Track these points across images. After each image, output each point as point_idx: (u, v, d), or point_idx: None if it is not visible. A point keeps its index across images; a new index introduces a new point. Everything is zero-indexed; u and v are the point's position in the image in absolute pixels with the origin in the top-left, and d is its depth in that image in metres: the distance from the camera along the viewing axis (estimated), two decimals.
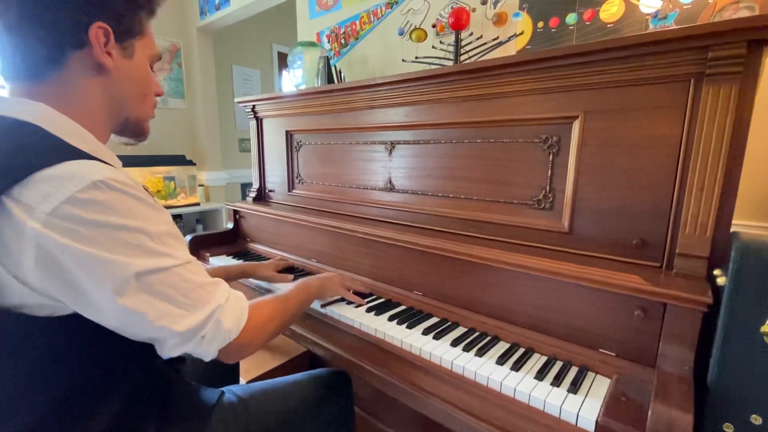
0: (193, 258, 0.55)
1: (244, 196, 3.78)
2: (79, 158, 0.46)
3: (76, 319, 0.47)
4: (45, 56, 0.51)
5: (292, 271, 1.22)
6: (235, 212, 1.57)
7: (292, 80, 1.81)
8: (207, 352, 0.54)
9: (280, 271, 1.17)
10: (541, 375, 0.67)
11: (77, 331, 0.48)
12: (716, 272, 0.64)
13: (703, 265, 0.66)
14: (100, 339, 0.49)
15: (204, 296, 0.53)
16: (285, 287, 1.10)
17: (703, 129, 0.65)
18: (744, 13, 0.82)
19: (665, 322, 0.62)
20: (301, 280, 0.90)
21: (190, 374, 0.88)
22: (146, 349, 0.54)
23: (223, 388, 0.79)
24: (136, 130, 0.64)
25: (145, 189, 0.53)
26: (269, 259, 1.37)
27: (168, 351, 0.52)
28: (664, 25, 0.90)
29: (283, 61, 3.92)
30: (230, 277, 1.07)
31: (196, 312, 0.51)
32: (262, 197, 1.60)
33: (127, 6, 0.55)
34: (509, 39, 1.20)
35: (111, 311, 0.46)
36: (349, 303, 0.97)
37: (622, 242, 0.75)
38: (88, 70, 0.53)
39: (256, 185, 1.61)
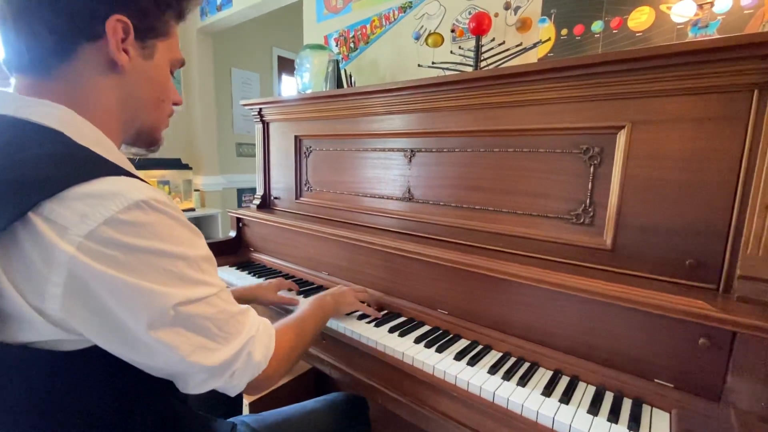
0: (224, 284, 0.49)
1: (240, 203, 3.66)
2: (116, 173, 0.40)
3: (89, 354, 0.41)
4: (53, 45, 0.44)
5: (300, 285, 1.15)
6: (239, 220, 1.48)
7: (298, 84, 1.75)
8: (236, 387, 0.50)
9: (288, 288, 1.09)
10: (594, 409, 0.61)
11: (90, 367, 0.42)
12: None
13: None
14: (113, 374, 0.44)
15: (237, 327, 0.48)
16: (301, 302, 1.03)
17: None
18: None
19: (735, 352, 0.57)
20: (314, 298, 0.82)
21: (194, 403, 0.80)
22: (158, 384, 0.48)
23: (235, 419, 0.72)
24: (148, 140, 0.58)
25: None
26: (277, 270, 1.29)
27: (193, 388, 0.46)
28: (705, 34, 0.86)
29: (283, 65, 3.86)
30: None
31: (228, 345, 0.47)
32: (266, 204, 1.53)
33: (154, 3, 0.49)
34: (534, 45, 1.15)
35: (141, 345, 0.41)
36: (362, 317, 0.90)
37: (673, 262, 0.70)
38: (99, 66, 0.47)
39: (260, 192, 1.53)
